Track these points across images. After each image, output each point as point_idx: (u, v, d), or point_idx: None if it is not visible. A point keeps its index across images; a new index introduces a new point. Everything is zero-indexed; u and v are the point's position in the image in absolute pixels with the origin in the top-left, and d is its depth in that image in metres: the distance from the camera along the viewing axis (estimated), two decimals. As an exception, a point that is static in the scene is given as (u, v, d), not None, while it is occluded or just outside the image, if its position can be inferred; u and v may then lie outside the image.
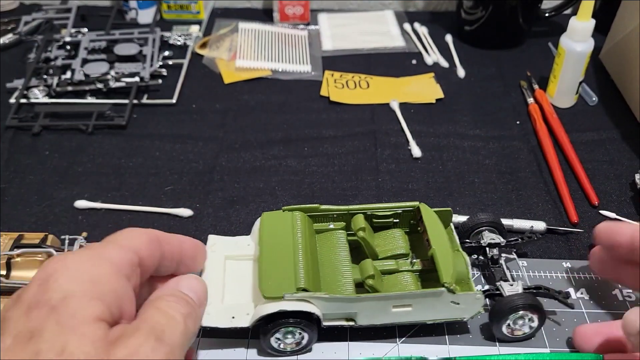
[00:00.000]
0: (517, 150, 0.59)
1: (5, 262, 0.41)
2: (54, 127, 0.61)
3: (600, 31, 0.65)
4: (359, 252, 0.42)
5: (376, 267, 0.40)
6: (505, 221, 0.48)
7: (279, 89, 0.68)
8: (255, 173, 0.56)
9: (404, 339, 0.40)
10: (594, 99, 0.65)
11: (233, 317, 0.38)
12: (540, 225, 0.48)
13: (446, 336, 0.41)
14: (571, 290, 0.44)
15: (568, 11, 0.73)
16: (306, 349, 0.39)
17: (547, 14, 0.74)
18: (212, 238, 0.42)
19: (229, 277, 0.40)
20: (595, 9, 0.62)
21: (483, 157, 0.58)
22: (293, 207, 0.42)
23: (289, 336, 0.38)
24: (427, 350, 0.40)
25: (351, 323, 0.39)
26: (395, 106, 0.64)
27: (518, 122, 0.62)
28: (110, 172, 0.56)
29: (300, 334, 0.38)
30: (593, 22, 0.59)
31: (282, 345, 0.38)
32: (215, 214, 0.51)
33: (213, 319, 0.37)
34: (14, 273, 0.41)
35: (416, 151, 0.58)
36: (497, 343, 0.40)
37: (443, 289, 0.37)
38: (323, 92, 0.67)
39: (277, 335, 0.38)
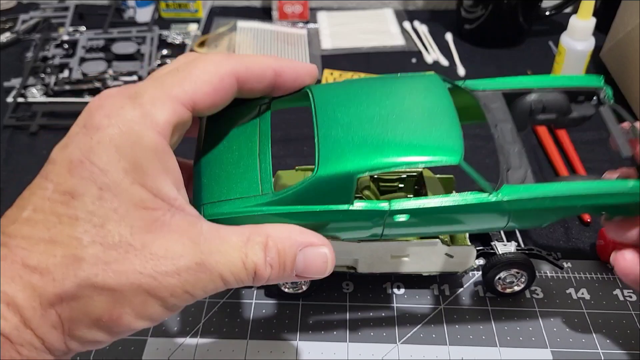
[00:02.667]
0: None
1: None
2: (51, 126, 0.61)
3: (601, 30, 0.65)
4: None
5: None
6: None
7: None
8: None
9: (404, 339, 0.40)
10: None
11: None
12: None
13: (446, 337, 0.40)
14: (572, 291, 0.44)
15: (568, 10, 0.73)
16: (308, 293, 0.42)
17: (547, 13, 0.73)
18: None
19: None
20: (596, 8, 0.62)
21: (483, 156, 0.57)
22: (306, 167, 0.44)
23: None
24: (427, 350, 0.39)
25: (352, 270, 0.41)
26: None
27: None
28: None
29: None
30: (594, 20, 0.59)
31: (287, 288, 0.41)
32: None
33: None
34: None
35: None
36: (497, 343, 0.40)
37: (437, 239, 0.39)
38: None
39: None
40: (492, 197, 0.31)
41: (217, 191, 0.30)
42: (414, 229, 0.32)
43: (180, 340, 0.40)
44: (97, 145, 0.25)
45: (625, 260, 0.35)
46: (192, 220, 0.27)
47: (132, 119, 0.26)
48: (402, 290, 0.44)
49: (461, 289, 0.44)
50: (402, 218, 0.30)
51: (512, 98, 0.35)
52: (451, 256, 0.41)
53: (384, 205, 0.30)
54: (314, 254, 0.29)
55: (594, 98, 0.36)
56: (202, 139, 0.33)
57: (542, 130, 0.59)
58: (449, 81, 0.34)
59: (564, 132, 0.59)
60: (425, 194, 0.44)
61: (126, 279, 0.24)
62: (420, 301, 0.43)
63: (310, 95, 0.32)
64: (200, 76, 0.28)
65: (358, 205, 0.30)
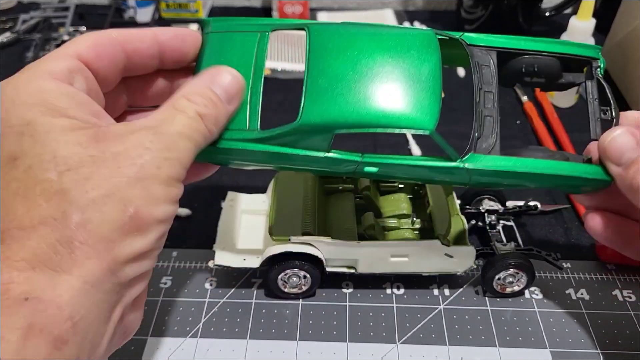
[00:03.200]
0: (517, 150, 0.58)
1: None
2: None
3: (601, 31, 0.65)
4: (365, 212, 0.44)
5: (377, 221, 0.42)
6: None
7: (278, 88, 0.68)
8: (254, 172, 0.55)
9: (403, 339, 0.40)
10: (594, 98, 0.65)
11: (244, 259, 0.41)
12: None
13: (446, 337, 0.40)
14: (571, 291, 0.44)
15: (568, 11, 0.73)
16: (309, 292, 0.42)
17: (547, 14, 0.73)
18: (230, 194, 0.47)
19: (244, 227, 0.45)
20: (596, 9, 0.62)
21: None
22: None
23: (294, 278, 0.41)
24: (427, 351, 0.39)
25: (352, 270, 0.42)
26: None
27: (518, 122, 0.62)
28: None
29: (304, 276, 0.41)
30: (593, 21, 0.59)
31: (287, 287, 0.42)
32: (213, 214, 0.51)
33: (226, 259, 0.41)
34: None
35: (416, 150, 0.58)
36: (497, 343, 0.40)
37: (436, 240, 0.39)
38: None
39: (283, 277, 0.41)
40: (457, 164, 0.33)
41: None
42: (382, 177, 0.35)
43: (180, 340, 0.40)
44: (10, 107, 0.27)
45: (592, 221, 0.36)
46: (127, 123, 0.29)
47: (29, 77, 0.28)
48: (401, 291, 0.44)
49: (461, 289, 0.44)
50: (372, 169, 0.33)
51: (506, 56, 0.36)
52: (451, 256, 0.41)
53: (356, 156, 0.33)
54: (222, 78, 0.32)
55: (587, 68, 0.36)
56: (202, 58, 0.34)
57: (541, 129, 0.59)
58: (446, 33, 0.35)
59: (563, 131, 0.59)
60: (425, 194, 0.44)
61: (116, 182, 0.25)
62: (420, 301, 0.43)
63: (307, 34, 0.34)
64: (77, 40, 0.31)
65: (332, 154, 0.33)
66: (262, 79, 0.33)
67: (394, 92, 0.31)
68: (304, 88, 0.32)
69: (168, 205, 0.28)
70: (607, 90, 0.35)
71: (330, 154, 0.32)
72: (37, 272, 0.24)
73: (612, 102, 0.34)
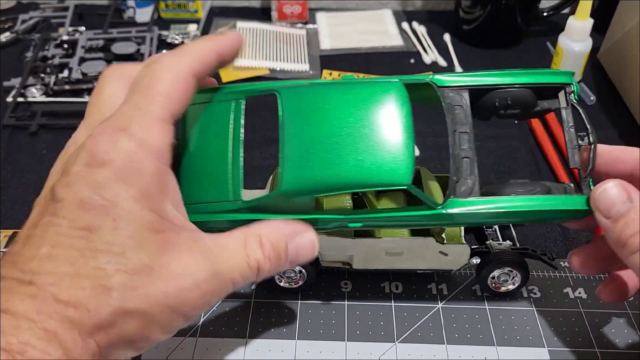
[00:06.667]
0: (515, 150, 0.59)
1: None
2: (51, 126, 0.61)
3: (599, 31, 0.65)
4: (361, 209, 0.44)
5: None
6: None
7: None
8: (254, 172, 0.56)
9: (402, 338, 0.40)
10: (592, 98, 0.65)
11: None
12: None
13: (444, 336, 0.41)
14: (569, 290, 0.44)
15: (566, 10, 0.73)
16: (303, 287, 0.43)
17: (545, 14, 0.74)
18: None
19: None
20: (594, 9, 0.62)
21: (481, 157, 0.57)
22: None
23: (290, 272, 0.42)
24: (425, 349, 0.40)
25: (347, 267, 0.42)
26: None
27: (516, 122, 0.62)
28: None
29: (300, 271, 0.42)
30: (591, 21, 0.59)
31: (282, 282, 0.42)
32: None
33: None
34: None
35: (415, 151, 0.58)
36: (495, 342, 0.40)
37: (431, 237, 0.40)
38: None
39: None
40: (438, 210, 0.33)
41: (193, 193, 0.33)
42: (369, 227, 0.36)
43: (179, 339, 0.40)
44: (104, 180, 0.27)
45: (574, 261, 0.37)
46: (195, 236, 0.29)
47: (130, 150, 0.27)
48: (400, 289, 0.44)
49: (459, 288, 0.44)
50: (356, 224, 0.34)
51: (479, 92, 0.36)
52: (445, 254, 0.41)
53: (339, 215, 0.34)
54: (302, 240, 0.32)
55: (561, 93, 0.37)
56: (184, 132, 0.34)
57: (539, 129, 0.59)
58: (415, 78, 0.35)
59: (562, 131, 0.59)
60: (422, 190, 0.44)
61: (154, 301, 0.26)
62: (418, 300, 0.43)
63: (279, 99, 0.34)
64: (170, 88, 0.30)
65: (316, 215, 0.33)
66: (241, 147, 0.34)
67: (369, 151, 0.32)
68: (280, 155, 0.32)
69: (171, 335, 0.29)
70: (583, 116, 0.35)
71: (313, 216, 0.33)
72: None
73: (588, 127, 0.35)
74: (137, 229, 0.26)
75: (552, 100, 0.37)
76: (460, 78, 0.36)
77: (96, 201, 0.26)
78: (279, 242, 0.31)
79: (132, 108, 0.29)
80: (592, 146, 0.34)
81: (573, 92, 0.36)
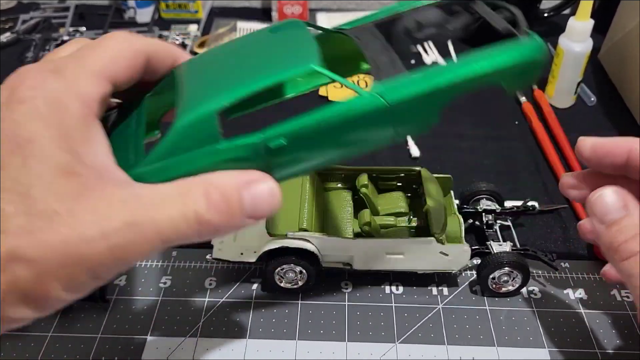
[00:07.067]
0: (515, 151, 0.59)
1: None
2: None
3: (599, 31, 0.65)
4: (362, 209, 0.44)
5: (373, 218, 0.42)
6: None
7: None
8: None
9: (402, 338, 0.40)
10: (592, 99, 0.65)
11: (242, 254, 0.42)
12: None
13: (444, 337, 0.41)
14: (569, 291, 0.44)
15: (567, 11, 0.73)
16: (305, 287, 0.43)
17: (545, 14, 0.74)
18: None
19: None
20: (594, 9, 0.62)
21: (481, 157, 0.58)
22: None
23: (290, 273, 0.42)
24: (426, 350, 0.40)
25: (348, 267, 0.42)
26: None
27: (517, 123, 0.62)
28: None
29: (300, 272, 0.42)
30: (592, 22, 0.59)
31: (283, 282, 0.42)
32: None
33: (224, 253, 0.42)
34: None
35: (415, 151, 0.58)
36: (495, 343, 0.40)
37: (432, 238, 0.40)
38: (322, 92, 0.67)
39: (280, 272, 0.42)
40: (365, 96, 0.28)
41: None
42: (302, 158, 0.30)
43: (179, 339, 0.40)
44: (21, 117, 0.25)
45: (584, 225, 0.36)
46: (122, 183, 0.26)
47: (57, 89, 0.26)
48: (400, 290, 0.44)
49: (459, 289, 0.44)
50: (280, 142, 0.28)
51: (388, 29, 0.34)
52: (446, 254, 0.41)
53: (256, 136, 0.28)
54: (260, 189, 0.27)
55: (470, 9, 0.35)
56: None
57: (540, 130, 0.59)
58: (318, 27, 0.33)
59: (562, 132, 0.59)
60: (422, 193, 0.44)
61: (51, 249, 0.23)
62: (419, 301, 0.43)
63: (175, 72, 0.32)
64: (117, 52, 0.29)
65: (228, 142, 0.28)
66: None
67: (268, 59, 0.29)
68: (177, 102, 0.29)
69: (79, 295, 0.25)
70: (496, 2, 0.34)
71: (223, 144, 0.28)
72: None
73: (505, 4, 0.34)
74: (48, 170, 0.24)
75: (464, 16, 0.36)
76: (359, 20, 0.34)
77: (10, 139, 0.24)
78: (231, 192, 0.26)
79: (72, 58, 0.28)
80: (516, 12, 0.33)
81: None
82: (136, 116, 0.32)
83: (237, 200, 0.26)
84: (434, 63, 0.32)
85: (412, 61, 0.33)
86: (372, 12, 0.34)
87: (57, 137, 0.25)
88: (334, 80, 0.28)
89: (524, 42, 0.30)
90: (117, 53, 0.29)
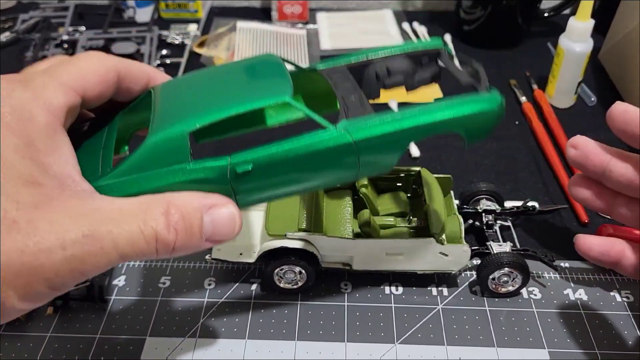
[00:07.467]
0: (515, 151, 0.58)
1: None
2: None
3: (600, 31, 0.65)
4: (362, 209, 0.44)
5: (373, 219, 0.42)
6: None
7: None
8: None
9: (402, 339, 0.40)
10: (592, 99, 0.65)
11: (241, 254, 0.42)
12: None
13: (444, 337, 0.40)
14: (569, 291, 0.44)
15: (567, 11, 0.73)
16: (304, 288, 0.43)
17: (546, 14, 0.74)
18: None
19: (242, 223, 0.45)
20: (595, 9, 0.62)
21: (482, 157, 0.57)
22: None
23: (290, 273, 0.42)
24: (425, 350, 0.40)
25: (347, 267, 0.42)
26: (393, 106, 0.64)
27: (517, 123, 0.62)
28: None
29: (300, 272, 0.42)
30: (592, 22, 0.59)
31: (282, 283, 0.42)
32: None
33: (223, 253, 0.42)
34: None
35: (415, 151, 0.58)
36: (495, 343, 0.40)
37: (432, 238, 0.40)
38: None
39: (279, 272, 0.42)
40: (332, 131, 0.29)
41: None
42: (266, 186, 0.31)
43: (178, 340, 0.40)
44: None
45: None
46: (84, 194, 0.26)
47: (24, 99, 0.26)
48: (400, 290, 0.44)
49: (459, 289, 0.44)
50: (247, 167, 0.29)
51: (360, 72, 0.36)
52: (445, 255, 0.41)
53: (224, 159, 0.29)
54: (221, 213, 0.28)
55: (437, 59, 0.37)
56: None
57: (540, 130, 0.59)
58: (294, 64, 0.35)
59: (562, 132, 0.59)
60: (422, 194, 0.44)
61: (7, 259, 0.23)
62: (418, 301, 0.43)
63: (153, 92, 0.33)
64: (87, 67, 0.30)
65: (196, 164, 0.29)
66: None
67: (242, 88, 0.31)
68: (151, 121, 0.30)
69: (36, 304, 0.25)
70: (462, 56, 0.36)
71: (193, 165, 0.29)
72: None
73: (469, 60, 0.35)
74: (10, 179, 0.24)
75: (432, 66, 0.37)
76: (334, 61, 0.36)
77: None
78: (192, 213, 0.27)
79: (42, 71, 0.29)
80: (479, 69, 0.34)
81: (447, 51, 0.36)
82: (107, 130, 0.33)
83: (197, 222, 0.27)
84: (399, 108, 0.33)
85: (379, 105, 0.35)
86: (346, 55, 0.36)
87: (21, 146, 0.25)
88: (305, 114, 0.30)
89: (484, 96, 0.32)
90: (88, 67, 0.30)
